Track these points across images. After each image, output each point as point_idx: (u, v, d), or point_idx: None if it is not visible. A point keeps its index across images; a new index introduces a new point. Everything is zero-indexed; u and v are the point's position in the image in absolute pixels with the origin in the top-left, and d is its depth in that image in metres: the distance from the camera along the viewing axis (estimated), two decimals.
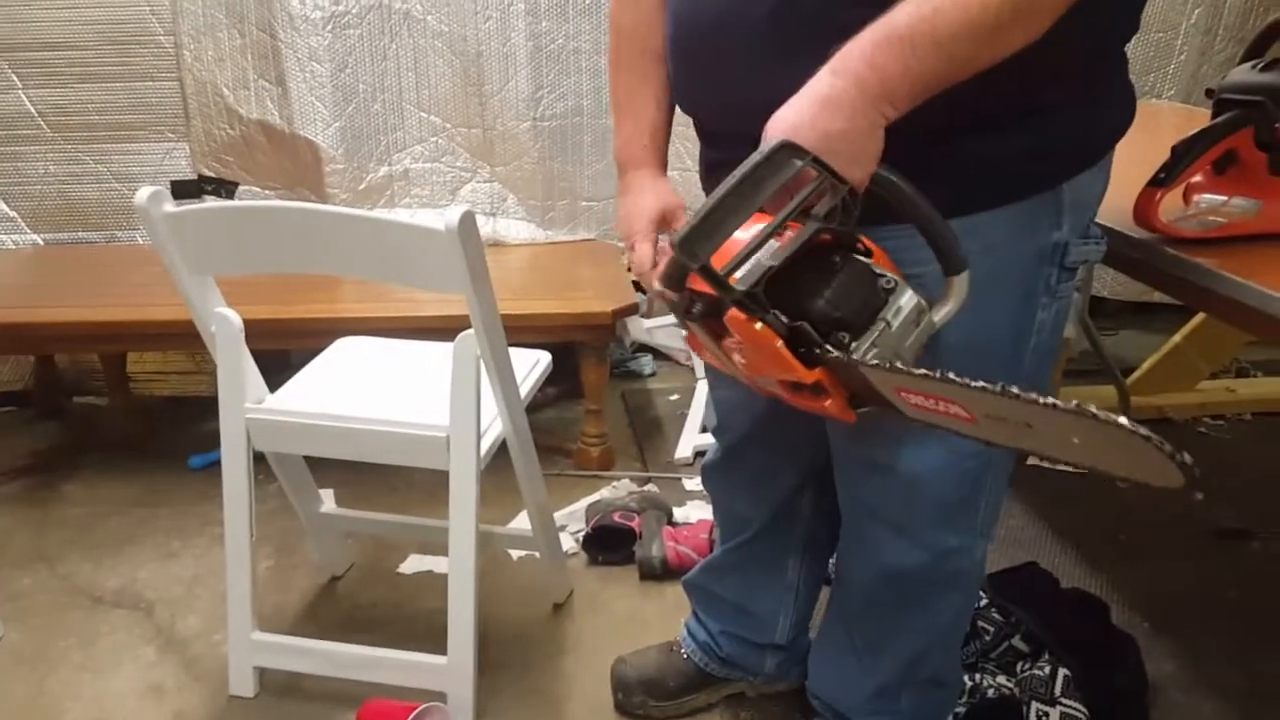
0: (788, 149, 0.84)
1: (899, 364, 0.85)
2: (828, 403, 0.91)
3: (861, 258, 0.89)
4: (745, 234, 0.86)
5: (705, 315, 0.89)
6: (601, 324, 2.23)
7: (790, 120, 0.87)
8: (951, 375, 0.76)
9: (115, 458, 2.46)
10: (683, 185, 2.40)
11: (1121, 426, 0.65)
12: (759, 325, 0.86)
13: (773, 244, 0.86)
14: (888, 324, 0.87)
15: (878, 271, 0.89)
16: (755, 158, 0.83)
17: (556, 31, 2.48)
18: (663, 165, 1.24)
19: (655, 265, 1.14)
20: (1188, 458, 0.63)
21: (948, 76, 0.84)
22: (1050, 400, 0.70)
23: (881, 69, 0.83)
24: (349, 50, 2.43)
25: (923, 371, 0.79)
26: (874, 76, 0.84)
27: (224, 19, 2.41)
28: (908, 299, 0.88)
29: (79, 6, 2.41)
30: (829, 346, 0.86)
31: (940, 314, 0.92)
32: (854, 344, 0.86)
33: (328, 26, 2.39)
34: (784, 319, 0.85)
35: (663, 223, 1.17)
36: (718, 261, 0.84)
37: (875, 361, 0.84)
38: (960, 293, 0.92)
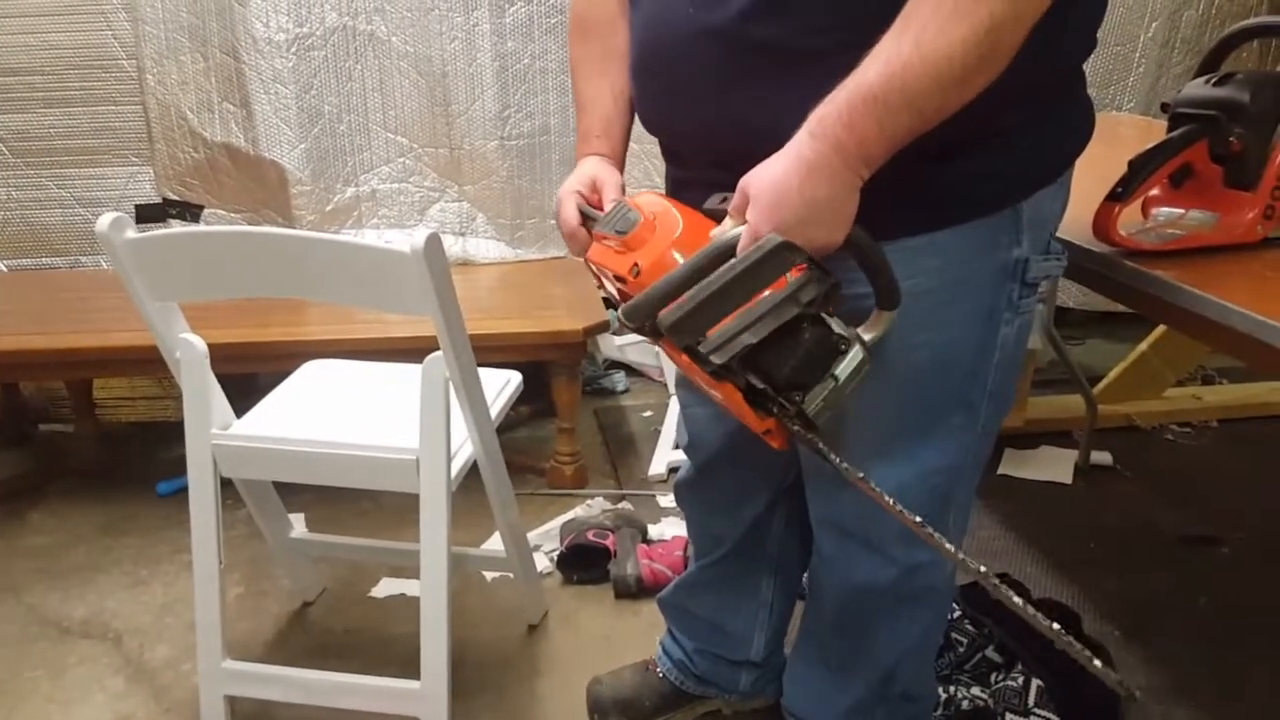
0: (786, 249, 0.86)
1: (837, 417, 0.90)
2: (768, 437, 0.95)
3: (826, 319, 0.91)
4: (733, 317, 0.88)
5: (656, 334, 0.90)
6: (573, 342, 2.23)
7: (777, 184, 0.88)
8: (906, 512, 0.82)
9: (82, 485, 2.43)
10: None
11: (1077, 651, 0.70)
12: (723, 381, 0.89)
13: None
14: (836, 379, 0.90)
15: (835, 331, 0.91)
16: (755, 255, 0.85)
17: (522, 51, 2.48)
18: (613, 154, 1.22)
19: (580, 226, 1.14)
20: (1137, 692, 0.68)
21: (917, 130, 0.86)
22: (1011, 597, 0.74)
23: (859, 132, 0.85)
24: (314, 72, 2.42)
25: (879, 490, 0.85)
26: (852, 140, 0.85)
27: (186, 42, 2.40)
28: (855, 353, 0.91)
29: (40, 31, 2.40)
30: (785, 404, 0.90)
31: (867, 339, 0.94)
32: (806, 399, 0.90)
33: (292, 49, 2.38)
34: (747, 375, 0.88)
35: (592, 187, 1.17)
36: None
37: (841, 462, 0.89)
38: (885, 326, 0.94)
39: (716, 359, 0.86)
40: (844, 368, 0.90)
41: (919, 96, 0.83)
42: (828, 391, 0.90)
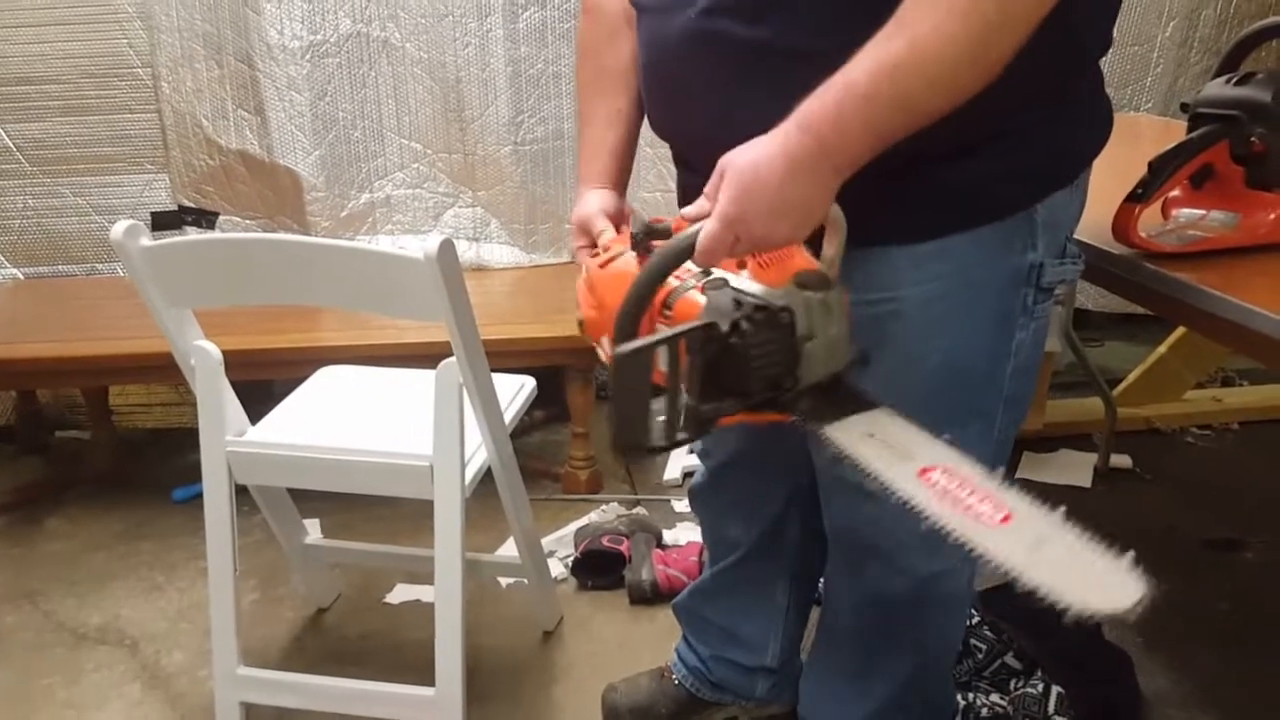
0: (712, 330, 0.82)
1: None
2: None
3: (764, 313, 0.83)
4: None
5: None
6: (587, 346, 2.21)
7: (757, 171, 0.84)
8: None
9: (98, 492, 2.44)
10: (666, 206, 2.41)
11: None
12: None
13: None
14: (809, 346, 0.85)
15: (777, 310, 0.83)
16: (622, 371, 0.85)
17: (535, 56, 2.48)
18: (611, 182, 1.21)
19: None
20: None
21: (906, 129, 0.83)
22: None
23: (845, 131, 0.82)
24: (328, 79, 2.43)
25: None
26: (837, 137, 0.82)
27: (201, 50, 2.41)
28: (807, 309, 0.84)
29: (55, 40, 2.41)
30: (777, 401, 0.87)
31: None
32: (799, 379, 0.85)
33: (306, 56, 2.38)
34: (730, 403, 0.86)
35: (585, 232, 1.18)
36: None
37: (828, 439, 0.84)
38: (837, 244, 0.90)
39: (681, 436, 0.88)
40: (809, 325, 0.84)
41: (907, 96, 0.81)
42: (818, 353, 0.85)
